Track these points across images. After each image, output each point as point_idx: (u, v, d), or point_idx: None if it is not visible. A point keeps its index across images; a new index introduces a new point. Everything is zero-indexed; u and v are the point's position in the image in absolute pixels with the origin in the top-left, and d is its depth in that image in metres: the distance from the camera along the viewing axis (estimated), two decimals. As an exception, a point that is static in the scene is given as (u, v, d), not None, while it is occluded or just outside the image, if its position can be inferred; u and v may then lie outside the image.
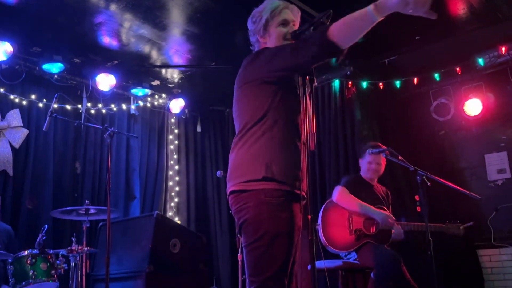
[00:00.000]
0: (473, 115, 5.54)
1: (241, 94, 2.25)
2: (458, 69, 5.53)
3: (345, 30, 1.97)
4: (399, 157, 3.94)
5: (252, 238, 2.07)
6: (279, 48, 2.19)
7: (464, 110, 5.58)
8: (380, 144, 4.20)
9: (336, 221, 3.99)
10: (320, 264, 3.89)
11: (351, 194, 4.00)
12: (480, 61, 5.41)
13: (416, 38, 5.15)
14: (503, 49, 5.20)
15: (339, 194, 4.04)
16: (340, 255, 4.06)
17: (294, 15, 2.36)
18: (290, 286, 2.18)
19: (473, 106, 5.52)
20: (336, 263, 3.95)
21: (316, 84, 2.15)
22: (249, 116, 2.18)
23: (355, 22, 1.96)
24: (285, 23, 2.33)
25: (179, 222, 6.27)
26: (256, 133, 2.14)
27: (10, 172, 4.87)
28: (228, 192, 2.20)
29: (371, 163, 4.19)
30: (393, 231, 3.94)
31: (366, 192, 4.12)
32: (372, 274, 3.90)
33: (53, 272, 3.78)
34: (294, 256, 2.19)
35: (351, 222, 4.01)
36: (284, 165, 2.10)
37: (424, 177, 3.46)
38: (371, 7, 1.89)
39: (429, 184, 3.45)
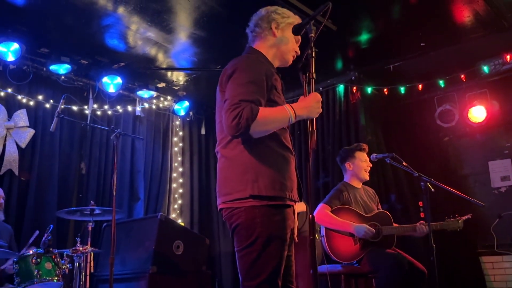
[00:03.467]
0: (477, 122, 5.55)
1: (222, 101, 2.18)
2: (462, 76, 5.55)
3: (263, 130, 2.05)
4: (403, 163, 3.96)
5: (245, 242, 2.06)
6: (235, 86, 2.09)
7: (469, 116, 5.58)
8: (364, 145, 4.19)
9: (340, 233, 3.99)
10: (323, 268, 3.94)
11: (329, 213, 3.98)
12: (485, 68, 5.43)
13: (421, 44, 5.17)
14: (508, 57, 5.22)
15: (318, 213, 4.01)
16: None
17: None
18: None
19: (478, 113, 5.53)
20: (338, 267, 3.95)
21: (314, 78, 2.11)
22: None
23: (276, 125, 2.09)
24: (297, 40, 2.39)
25: (182, 224, 6.29)
26: (239, 145, 2.11)
27: (16, 172, 4.91)
28: (218, 206, 2.20)
29: (365, 161, 4.17)
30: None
31: (353, 199, 4.12)
32: (374, 280, 3.92)
33: (57, 271, 3.80)
34: (290, 257, 2.22)
35: None
36: (270, 179, 2.07)
37: (428, 183, 3.46)
38: (292, 117, 2.06)
39: (433, 190, 3.46)
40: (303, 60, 2.17)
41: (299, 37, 2.38)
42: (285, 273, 2.14)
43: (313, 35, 2.15)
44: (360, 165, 4.18)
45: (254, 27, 2.39)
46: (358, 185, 4.24)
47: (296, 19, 2.39)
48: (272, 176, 2.07)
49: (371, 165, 4.24)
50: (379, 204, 4.32)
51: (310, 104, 2.08)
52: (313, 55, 2.11)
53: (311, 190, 2.10)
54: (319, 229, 4.08)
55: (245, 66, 2.15)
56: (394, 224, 4.03)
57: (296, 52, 2.40)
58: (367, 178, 4.22)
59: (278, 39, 2.34)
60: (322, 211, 4.01)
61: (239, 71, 2.12)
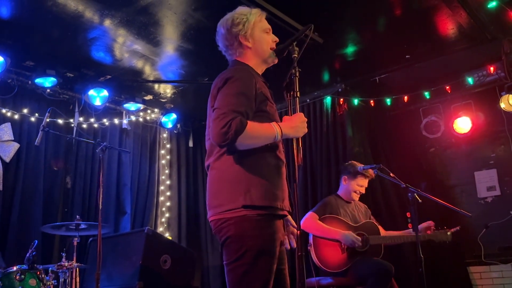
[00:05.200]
0: (462, 132, 5.61)
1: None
2: (447, 87, 5.62)
3: (249, 143, 2.06)
4: (391, 174, 3.98)
5: (234, 256, 2.03)
6: (225, 96, 2.09)
7: (454, 127, 5.64)
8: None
9: (328, 242, 3.98)
10: (311, 281, 3.92)
11: (317, 221, 3.99)
12: (470, 80, 5.51)
13: (407, 56, 5.23)
14: (492, 68, 5.30)
15: (305, 221, 4.04)
16: None
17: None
18: None
19: (463, 124, 5.59)
20: (328, 280, 3.94)
21: (298, 96, 2.15)
22: None
23: (261, 140, 2.08)
24: (269, 31, 2.35)
25: (170, 237, 6.23)
26: (231, 157, 2.10)
27: (0, 186, 4.82)
28: (209, 220, 2.18)
29: (361, 186, 4.22)
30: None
31: (342, 211, 4.13)
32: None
33: (42, 288, 3.73)
34: (283, 270, 2.21)
35: None
36: (262, 189, 2.06)
37: (415, 194, 3.48)
38: (278, 135, 2.08)
39: (420, 201, 3.48)
40: (287, 79, 2.19)
41: (269, 26, 2.35)
42: (280, 287, 2.14)
43: (296, 55, 2.16)
44: (354, 187, 4.23)
45: (226, 49, 2.38)
46: (350, 200, 4.26)
47: (254, 14, 2.34)
48: (265, 187, 2.07)
49: (364, 192, 4.27)
50: (372, 218, 4.32)
51: (296, 124, 2.13)
52: (297, 75, 2.14)
53: (299, 202, 2.09)
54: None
55: (235, 78, 2.13)
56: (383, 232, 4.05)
57: (274, 41, 2.34)
58: (354, 199, 4.27)
59: (253, 48, 2.31)
60: (310, 218, 4.02)
61: (229, 82, 2.11)
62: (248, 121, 2.02)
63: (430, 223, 4.00)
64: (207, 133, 2.27)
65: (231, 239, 2.04)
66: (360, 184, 4.21)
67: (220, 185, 2.12)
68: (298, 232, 2.00)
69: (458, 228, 3.94)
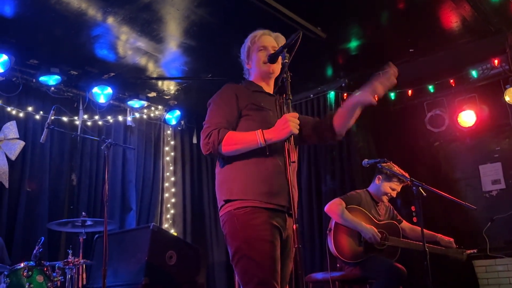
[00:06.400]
0: (467, 126, 5.59)
1: None
2: (452, 81, 5.60)
3: (232, 150, 2.24)
4: (395, 168, 3.98)
5: (233, 250, 2.20)
6: (208, 113, 2.38)
7: (458, 121, 5.62)
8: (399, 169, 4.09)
9: (348, 231, 3.97)
10: (318, 276, 3.93)
11: (343, 207, 3.96)
12: (474, 73, 5.48)
13: (410, 50, 5.21)
14: (496, 61, 5.28)
15: (331, 204, 4.00)
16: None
17: (274, 41, 2.52)
18: None
19: (467, 118, 5.57)
20: (333, 274, 3.94)
21: (291, 99, 2.24)
22: None
23: (242, 146, 2.24)
24: (263, 48, 2.49)
25: (175, 234, 6.25)
26: (221, 161, 2.35)
27: (6, 184, 4.85)
28: None
29: (394, 190, 4.11)
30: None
31: (368, 206, 4.09)
32: (369, 286, 3.91)
33: (49, 284, 3.75)
34: (287, 266, 2.28)
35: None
36: (243, 185, 2.23)
37: (420, 188, 3.47)
38: (260, 140, 2.20)
39: (425, 194, 3.47)
40: (279, 83, 2.41)
41: (264, 44, 2.49)
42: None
43: (287, 61, 2.26)
44: (386, 189, 4.11)
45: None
46: (378, 200, 4.21)
47: (250, 39, 2.54)
48: (245, 183, 2.24)
49: (395, 196, 4.21)
50: (398, 217, 4.30)
51: (277, 127, 2.20)
52: (289, 79, 2.23)
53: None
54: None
55: (216, 95, 2.43)
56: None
57: (267, 55, 2.44)
58: (383, 201, 4.20)
59: (252, 68, 2.54)
60: (336, 204, 3.98)
61: (212, 101, 2.42)
62: (230, 131, 2.25)
63: (451, 240, 4.01)
64: None
65: (227, 236, 2.24)
66: (393, 188, 4.11)
67: (217, 187, 2.38)
68: (295, 226, 2.02)
69: (475, 251, 3.99)
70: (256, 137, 2.21)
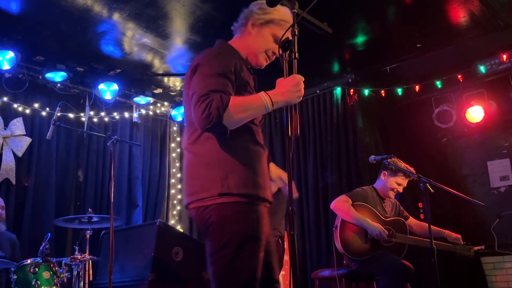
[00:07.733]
0: (475, 122, 5.54)
1: (187, 99, 2.02)
2: (459, 76, 5.54)
3: (237, 119, 1.87)
4: (403, 164, 3.95)
5: (217, 245, 1.87)
6: (202, 77, 1.93)
7: (466, 117, 5.57)
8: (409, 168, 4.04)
9: (354, 227, 3.95)
10: (325, 273, 3.91)
11: (349, 204, 3.94)
12: (482, 68, 5.43)
13: (418, 45, 5.16)
14: (504, 56, 5.22)
15: (337, 201, 3.98)
16: None
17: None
18: None
19: (475, 113, 5.52)
20: (339, 271, 3.93)
21: (297, 58, 1.88)
22: None
23: (250, 113, 1.90)
24: (276, 39, 2.14)
25: (181, 230, 6.26)
26: (208, 141, 1.94)
27: (13, 181, 4.88)
28: (186, 208, 2.03)
29: (400, 185, 4.07)
30: None
31: (373, 203, 4.07)
32: (375, 282, 3.89)
33: (56, 280, 3.77)
34: (271, 262, 2.06)
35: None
36: (241, 176, 1.91)
37: (427, 184, 3.44)
38: (268, 105, 1.87)
39: (432, 191, 3.44)
40: (285, 40, 1.96)
41: (280, 37, 2.09)
42: (269, 277, 2.03)
43: (295, 10, 1.97)
44: (393, 184, 4.07)
45: (236, 22, 2.27)
46: (385, 196, 4.18)
47: (280, 15, 2.17)
48: (244, 173, 1.91)
49: (401, 191, 4.17)
50: (404, 213, 4.27)
51: (287, 89, 1.87)
52: (296, 33, 1.91)
53: (296, 183, 2.05)
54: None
55: (211, 58, 2.00)
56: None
57: (274, 53, 2.18)
58: (390, 197, 4.17)
59: (252, 37, 2.17)
60: (342, 201, 3.96)
61: (205, 62, 1.97)
62: (231, 96, 1.86)
63: (458, 236, 3.98)
64: (184, 114, 2.18)
65: (213, 226, 1.89)
66: (399, 183, 4.06)
67: (195, 170, 1.97)
68: (290, 209, 1.80)
69: (483, 247, 3.94)
70: (263, 101, 1.86)
